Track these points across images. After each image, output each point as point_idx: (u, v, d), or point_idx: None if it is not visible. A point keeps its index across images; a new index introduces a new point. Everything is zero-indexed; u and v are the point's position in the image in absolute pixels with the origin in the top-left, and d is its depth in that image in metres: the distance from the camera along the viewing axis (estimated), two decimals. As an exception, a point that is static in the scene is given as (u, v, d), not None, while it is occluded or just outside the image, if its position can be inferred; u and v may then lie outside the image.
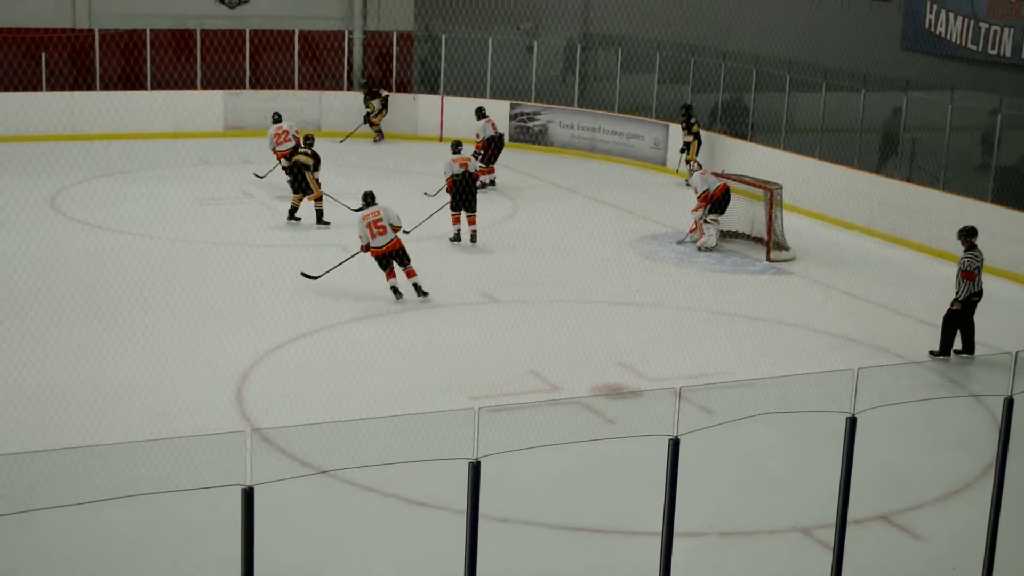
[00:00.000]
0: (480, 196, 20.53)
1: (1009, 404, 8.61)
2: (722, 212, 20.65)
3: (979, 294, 15.27)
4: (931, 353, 15.27)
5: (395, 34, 31.72)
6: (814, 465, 11.71)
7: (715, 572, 10.11)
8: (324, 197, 20.88)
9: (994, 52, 25.87)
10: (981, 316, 17.33)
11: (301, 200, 20.77)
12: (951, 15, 26.93)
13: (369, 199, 17.03)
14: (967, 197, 20.83)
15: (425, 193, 22.27)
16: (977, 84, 25.56)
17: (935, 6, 27.36)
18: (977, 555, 9.06)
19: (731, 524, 10.87)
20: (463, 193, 20.02)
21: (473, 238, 20.15)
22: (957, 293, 15.17)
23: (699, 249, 20.44)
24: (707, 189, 20.44)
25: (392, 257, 16.69)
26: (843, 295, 18.38)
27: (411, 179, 23.93)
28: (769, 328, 16.57)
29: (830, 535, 8.64)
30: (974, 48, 26.42)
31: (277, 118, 23.84)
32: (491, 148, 24.44)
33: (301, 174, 20.53)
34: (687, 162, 25.87)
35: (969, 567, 9.49)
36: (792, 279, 19.28)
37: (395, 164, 25.79)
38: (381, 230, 16.48)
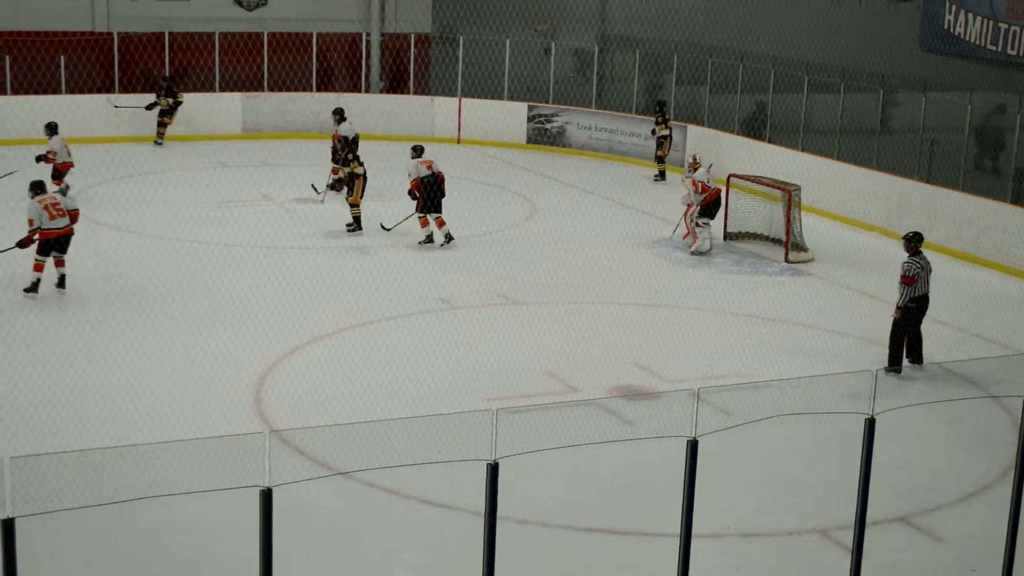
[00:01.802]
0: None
1: (1029, 405, 8.58)
2: (712, 217, 20.51)
3: (917, 300, 14.61)
4: (884, 370, 14.33)
5: (412, 36, 31.75)
6: (833, 466, 11.70)
7: (733, 573, 10.09)
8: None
9: (1013, 52, 25.79)
10: (998, 316, 17.30)
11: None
12: (970, 16, 26.86)
13: (39, 188, 16.47)
14: (985, 198, 20.78)
15: (312, 186, 22.45)
16: (996, 84, 25.47)
17: (954, 7, 27.30)
18: (997, 557, 9.03)
19: (750, 525, 10.85)
20: (432, 195, 19.86)
21: (448, 238, 20.01)
22: (898, 300, 14.70)
23: (692, 253, 20.31)
24: (704, 183, 20.32)
25: (59, 245, 16.37)
26: (861, 296, 18.33)
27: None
28: (787, 329, 16.54)
29: (849, 536, 8.62)
30: (993, 49, 26.35)
31: (55, 128, 22.02)
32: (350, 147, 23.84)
33: (353, 181, 20.48)
34: (660, 159, 26.34)
35: (988, 569, 9.47)
36: (810, 280, 19.24)
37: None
38: (60, 212, 16.30)
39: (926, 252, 15.03)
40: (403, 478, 10.71)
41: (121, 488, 6.68)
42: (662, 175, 26.45)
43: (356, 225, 20.57)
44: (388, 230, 20.59)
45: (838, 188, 23.24)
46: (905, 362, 14.75)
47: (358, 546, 10.22)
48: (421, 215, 19.95)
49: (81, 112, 26.56)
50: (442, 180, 19.97)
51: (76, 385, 13.24)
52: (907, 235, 15.03)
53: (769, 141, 25.64)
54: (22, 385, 12.97)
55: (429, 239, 19.99)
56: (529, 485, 10.53)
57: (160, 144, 27.87)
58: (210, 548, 9.94)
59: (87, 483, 6.52)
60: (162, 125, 28.00)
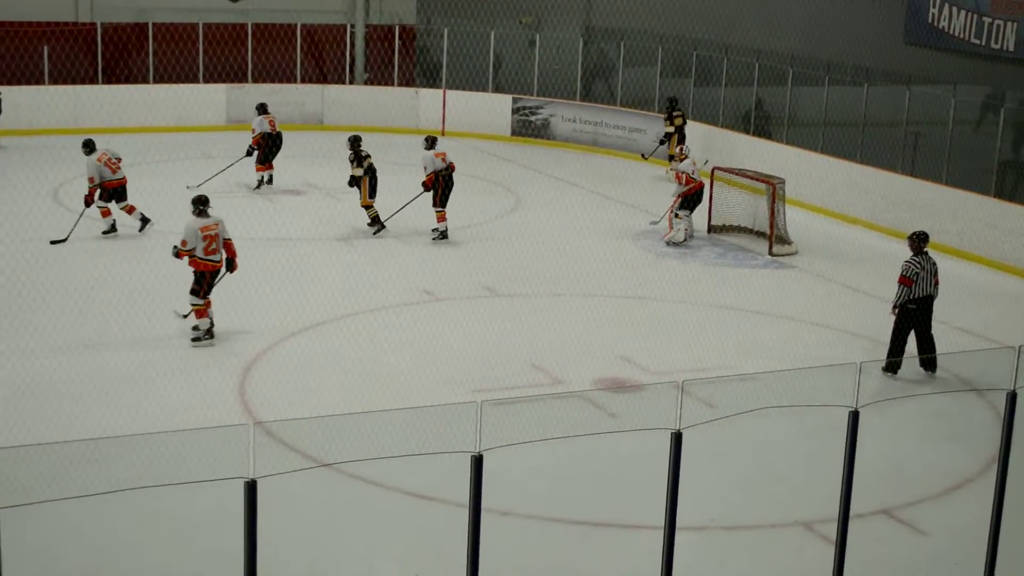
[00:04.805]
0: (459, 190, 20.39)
1: (1012, 398, 8.60)
2: (692, 209, 20.56)
3: (918, 301, 14.23)
4: (882, 369, 14.26)
5: (397, 27, 31.70)
6: (816, 459, 11.71)
7: (717, 566, 10.11)
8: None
9: (997, 46, 25.83)
10: (982, 309, 17.34)
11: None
12: (954, 9, 26.89)
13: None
14: (970, 191, 20.83)
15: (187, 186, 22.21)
16: (980, 78, 25.51)
17: (938, 0, 27.33)
18: (980, 550, 9.05)
19: (733, 518, 10.86)
20: (447, 189, 19.87)
21: (444, 235, 20.02)
22: (894, 299, 14.39)
23: (667, 244, 20.33)
24: (688, 174, 20.32)
25: None
26: (845, 289, 18.37)
27: (411, 173, 23.84)
28: (771, 322, 16.57)
29: (832, 529, 8.63)
30: (977, 42, 26.39)
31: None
32: (268, 145, 23.20)
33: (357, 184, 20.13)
34: (669, 156, 25.45)
35: (971, 562, 9.49)
36: (794, 273, 19.27)
37: (393, 158, 25.71)
38: None
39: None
40: (387, 470, 10.68)
41: (105, 479, 6.66)
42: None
43: (378, 225, 20.10)
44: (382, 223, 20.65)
45: (822, 181, 23.28)
46: (920, 370, 14.41)
47: (342, 538, 10.21)
48: (439, 209, 19.86)
49: (64, 103, 26.49)
50: (453, 170, 20.02)
51: (59, 376, 13.19)
52: (911, 234, 14.65)
53: (753, 134, 25.65)
54: (4, 376, 12.92)
55: (444, 235, 19.92)
56: (513, 477, 10.54)
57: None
58: (194, 540, 9.93)
59: (71, 474, 6.51)
60: None
